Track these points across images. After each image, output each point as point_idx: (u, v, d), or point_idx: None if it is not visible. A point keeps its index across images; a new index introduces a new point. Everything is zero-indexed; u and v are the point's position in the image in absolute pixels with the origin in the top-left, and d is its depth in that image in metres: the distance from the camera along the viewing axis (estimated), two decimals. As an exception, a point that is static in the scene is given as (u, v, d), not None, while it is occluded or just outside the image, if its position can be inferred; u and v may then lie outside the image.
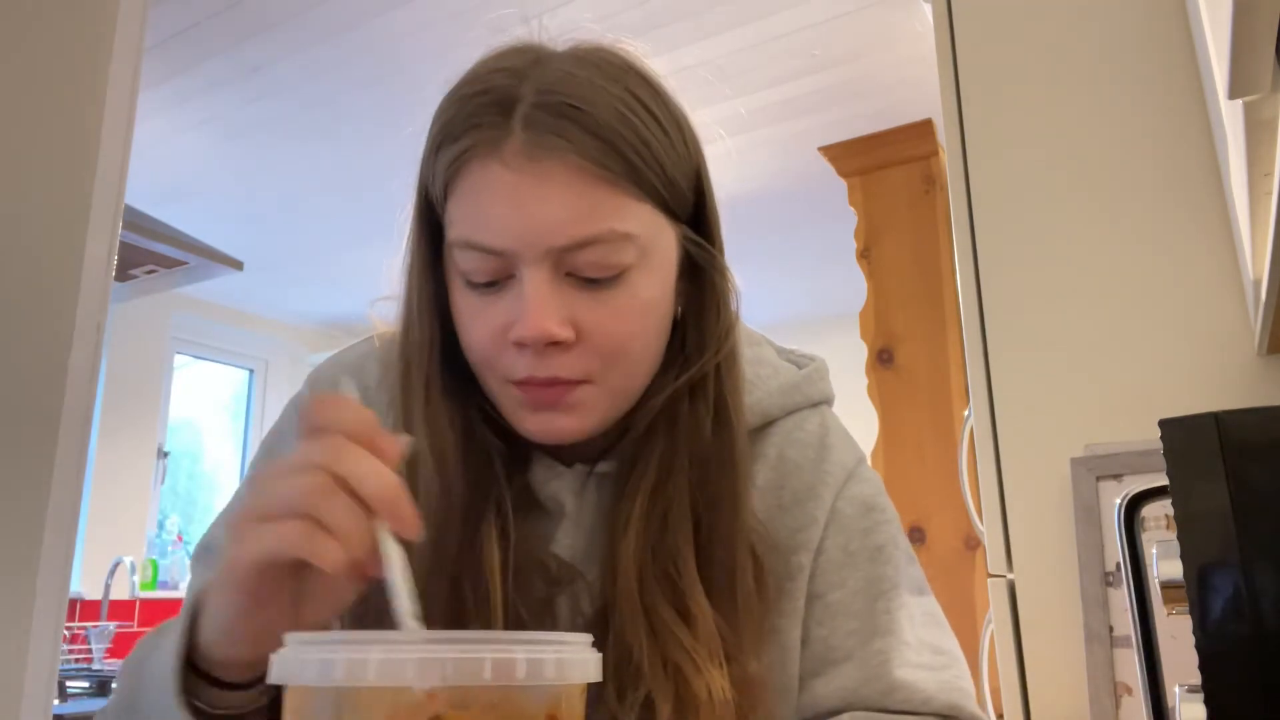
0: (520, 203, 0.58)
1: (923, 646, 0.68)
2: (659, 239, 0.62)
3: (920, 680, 0.65)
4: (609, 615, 0.62)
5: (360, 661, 0.35)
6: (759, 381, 0.72)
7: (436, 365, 0.64)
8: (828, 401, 0.76)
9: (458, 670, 0.35)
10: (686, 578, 0.62)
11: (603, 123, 0.58)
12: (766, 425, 0.71)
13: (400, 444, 0.48)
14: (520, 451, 0.67)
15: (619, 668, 0.59)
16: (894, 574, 0.69)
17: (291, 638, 0.39)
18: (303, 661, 0.37)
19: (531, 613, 0.63)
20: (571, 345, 0.59)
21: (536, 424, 0.62)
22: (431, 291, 0.64)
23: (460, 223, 0.60)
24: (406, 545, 0.59)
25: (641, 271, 0.61)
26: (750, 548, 0.65)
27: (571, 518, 0.67)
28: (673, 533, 0.63)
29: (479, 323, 0.61)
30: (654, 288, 0.62)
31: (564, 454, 0.68)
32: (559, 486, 0.67)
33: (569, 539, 0.67)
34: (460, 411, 0.65)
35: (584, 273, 0.59)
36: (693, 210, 0.66)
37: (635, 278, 0.60)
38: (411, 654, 0.36)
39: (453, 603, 0.61)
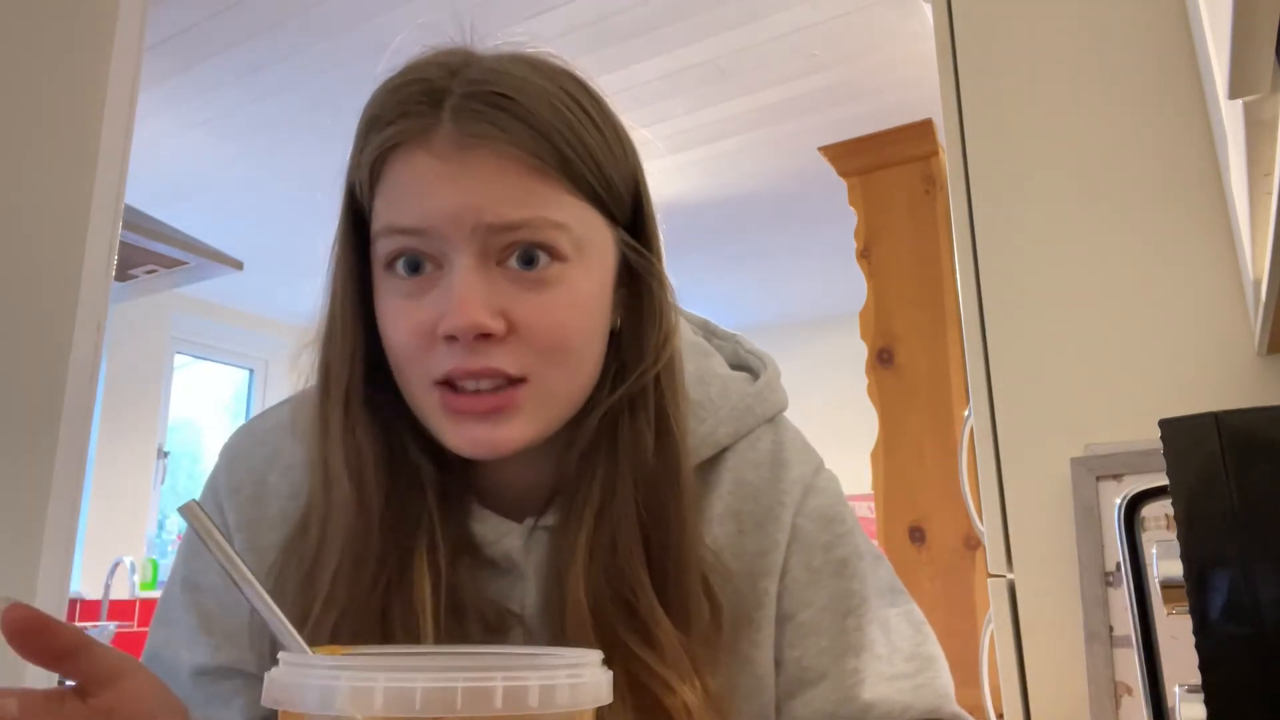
0: (447, 186, 0.56)
1: (896, 655, 0.67)
2: (595, 237, 0.60)
3: (896, 692, 0.65)
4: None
5: (366, 690, 0.33)
6: (709, 407, 0.69)
7: (359, 376, 0.60)
8: (781, 410, 0.73)
9: (468, 699, 0.34)
10: (644, 602, 0.59)
11: (535, 114, 0.56)
12: (720, 453, 0.69)
13: None
14: (458, 493, 0.64)
15: None
16: (861, 587, 0.68)
17: (287, 658, 0.37)
18: (302, 687, 0.35)
19: None
20: (504, 338, 0.56)
21: (466, 436, 0.57)
22: (356, 297, 0.61)
23: (385, 211, 0.58)
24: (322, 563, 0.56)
25: (577, 268, 0.58)
26: (705, 581, 0.62)
27: (525, 575, 0.63)
28: (624, 556, 0.60)
29: (403, 319, 0.57)
30: (590, 286, 0.59)
31: (510, 508, 0.65)
32: (509, 545, 0.63)
33: (527, 597, 0.63)
34: (384, 428, 0.61)
35: (514, 261, 0.56)
36: (631, 217, 0.64)
37: (570, 274, 0.58)
38: (420, 682, 0.34)
39: (381, 637, 0.58)
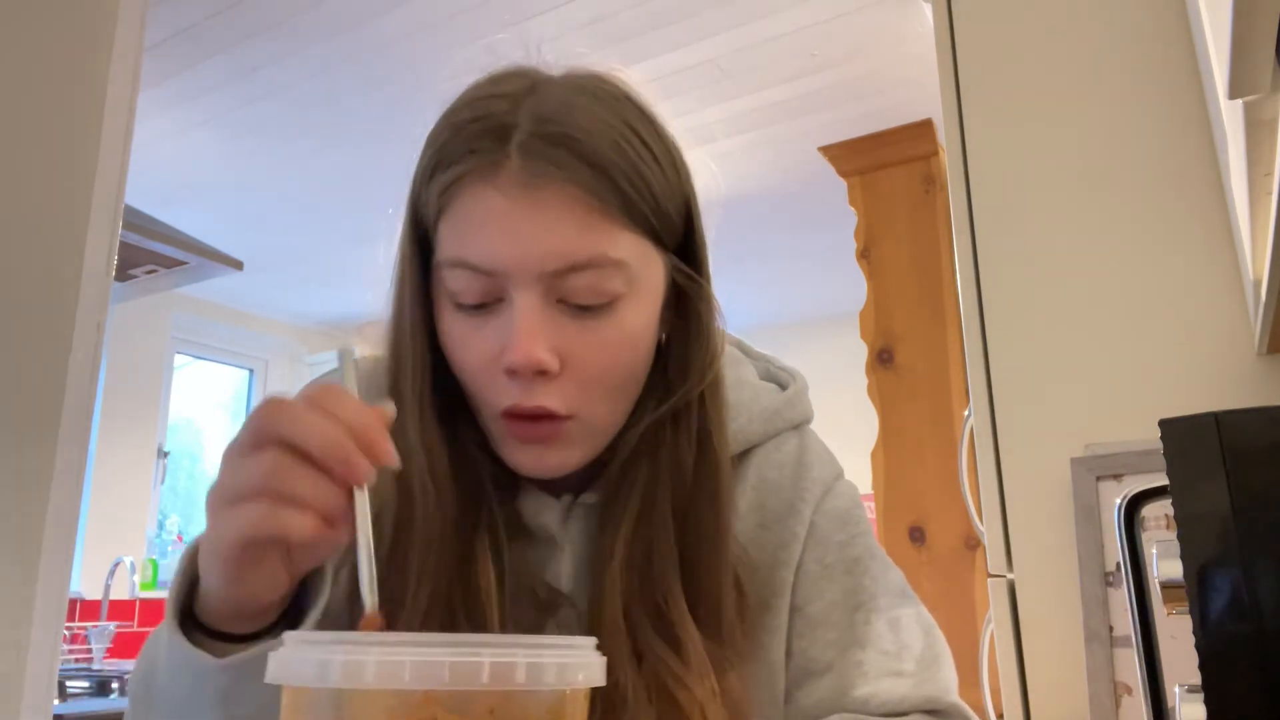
0: (514, 227, 0.58)
1: (903, 652, 0.69)
2: (648, 269, 0.63)
3: (897, 685, 0.67)
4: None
5: (358, 663, 0.35)
6: (740, 407, 0.72)
7: (429, 389, 0.64)
8: (807, 421, 0.76)
9: (455, 674, 0.35)
10: (675, 609, 0.62)
11: (599, 153, 0.59)
12: (747, 451, 0.72)
13: (381, 411, 0.50)
14: (509, 474, 0.67)
15: (605, 696, 0.59)
16: (871, 584, 0.70)
17: (290, 636, 0.39)
18: (300, 661, 0.37)
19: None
20: (556, 375, 0.59)
21: (525, 458, 0.62)
22: (423, 314, 0.64)
23: (451, 243, 0.60)
24: (402, 547, 0.60)
25: (630, 302, 0.61)
26: (735, 577, 0.65)
27: (562, 548, 0.67)
28: (658, 564, 0.63)
29: (468, 348, 0.61)
30: (641, 318, 0.62)
31: (551, 484, 0.68)
32: (549, 519, 0.67)
33: (562, 569, 0.67)
34: (452, 434, 0.65)
35: (574, 299, 0.59)
36: (681, 238, 0.66)
37: (623, 308, 0.61)
38: (409, 656, 0.35)
39: (446, 625, 0.61)
